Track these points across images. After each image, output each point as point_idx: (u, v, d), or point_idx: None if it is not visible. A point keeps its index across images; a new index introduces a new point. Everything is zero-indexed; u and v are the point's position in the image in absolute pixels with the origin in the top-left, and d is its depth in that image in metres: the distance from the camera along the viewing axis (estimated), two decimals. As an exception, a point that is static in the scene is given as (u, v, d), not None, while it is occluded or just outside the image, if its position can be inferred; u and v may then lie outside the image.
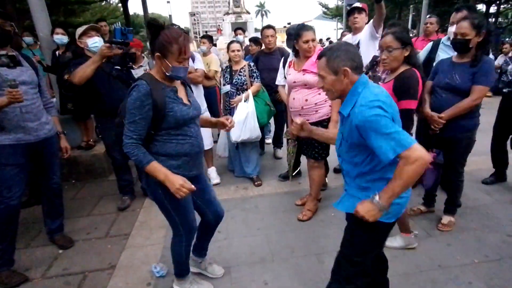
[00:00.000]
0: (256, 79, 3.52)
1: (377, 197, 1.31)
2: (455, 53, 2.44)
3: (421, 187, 3.21)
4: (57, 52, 3.94)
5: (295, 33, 2.67)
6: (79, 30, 2.78)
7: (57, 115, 2.61)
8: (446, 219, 2.63)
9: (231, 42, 3.62)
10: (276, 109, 3.76)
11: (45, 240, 2.71)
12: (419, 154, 1.24)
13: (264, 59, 3.98)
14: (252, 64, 3.57)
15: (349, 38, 3.40)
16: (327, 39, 20.02)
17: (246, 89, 3.50)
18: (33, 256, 2.54)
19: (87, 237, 2.77)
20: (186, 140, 1.69)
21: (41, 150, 2.38)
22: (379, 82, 2.30)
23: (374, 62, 2.65)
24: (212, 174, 3.72)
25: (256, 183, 3.60)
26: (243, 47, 5.06)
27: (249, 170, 3.68)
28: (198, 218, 1.97)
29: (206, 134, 3.59)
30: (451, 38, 2.78)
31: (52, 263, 2.45)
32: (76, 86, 2.75)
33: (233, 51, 3.50)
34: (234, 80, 3.52)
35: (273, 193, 3.43)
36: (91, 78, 2.67)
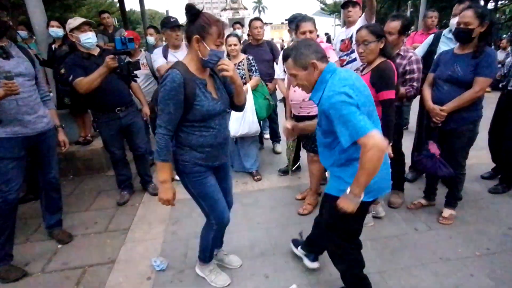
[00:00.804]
0: (254, 73, 3.48)
1: (348, 191, 1.45)
2: (457, 45, 2.42)
3: (421, 181, 3.23)
4: (53, 46, 3.88)
5: (295, 24, 2.66)
6: (70, 23, 2.67)
7: (54, 107, 2.57)
8: (447, 212, 2.63)
9: (229, 35, 3.57)
10: None
11: (44, 235, 2.69)
12: (374, 142, 1.32)
13: (252, 51, 3.93)
14: (251, 58, 3.52)
15: (342, 31, 3.40)
16: (325, 34, 19.91)
17: (245, 83, 3.46)
18: (32, 251, 2.52)
19: (86, 232, 2.75)
20: (210, 132, 1.68)
21: (38, 144, 2.35)
22: (358, 72, 2.39)
23: None
24: (212, 169, 3.69)
25: (255, 177, 3.58)
26: (241, 41, 5.04)
27: (248, 165, 3.66)
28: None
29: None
30: (453, 30, 2.77)
31: (51, 258, 2.43)
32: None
33: (230, 45, 3.44)
34: None
35: (273, 187, 3.41)
36: (87, 73, 2.63)
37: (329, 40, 12.30)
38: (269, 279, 2.12)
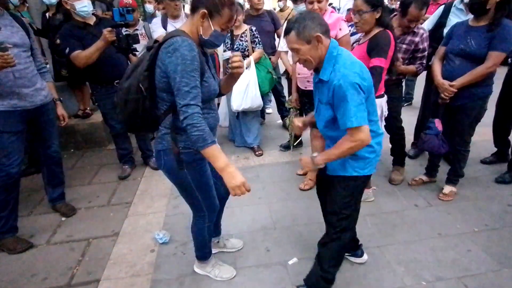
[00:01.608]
0: (258, 45, 3.37)
1: (315, 155, 1.52)
2: (468, 17, 2.31)
3: (422, 157, 3.22)
4: (47, 14, 3.73)
5: None
6: None
7: (52, 80, 2.51)
8: (447, 188, 2.63)
9: None
10: None
11: (47, 208, 2.72)
12: (362, 138, 1.38)
13: (252, 22, 3.70)
14: (254, 28, 3.38)
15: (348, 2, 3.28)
16: (329, 4, 19.12)
17: (248, 56, 3.35)
18: (36, 223, 2.56)
19: (89, 205, 2.78)
20: (211, 114, 1.53)
21: (37, 117, 2.31)
22: (355, 44, 2.37)
23: None
24: (213, 144, 3.67)
25: (257, 152, 3.57)
26: (244, 11, 4.84)
27: (249, 140, 3.64)
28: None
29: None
30: (464, 1, 2.64)
31: (56, 230, 2.47)
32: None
33: None
34: (235, 46, 3.37)
35: (274, 163, 3.41)
36: (85, 46, 2.54)
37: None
38: (270, 252, 2.16)
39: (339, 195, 1.62)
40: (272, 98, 4.48)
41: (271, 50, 3.79)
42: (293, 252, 2.14)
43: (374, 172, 1.66)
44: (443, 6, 2.91)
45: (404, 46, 2.54)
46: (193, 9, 1.38)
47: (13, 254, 2.21)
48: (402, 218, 2.44)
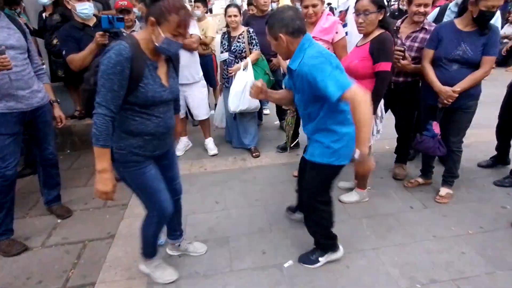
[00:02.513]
0: (255, 47, 3.37)
1: (357, 154, 1.52)
2: (457, 19, 2.34)
3: (418, 160, 3.24)
4: (43, 14, 3.71)
5: None
6: None
7: (49, 81, 2.50)
8: (444, 191, 2.64)
9: (229, 6, 3.40)
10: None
11: (43, 210, 2.70)
12: (361, 95, 1.43)
13: (256, 23, 3.72)
14: (251, 30, 3.38)
15: (344, 2, 3.34)
16: (328, 4, 19.13)
17: (245, 57, 3.35)
18: (32, 225, 2.55)
19: (85, 207, 2.77)
20: (152, 120, 1.53)
21: (34, 119, 2.30)
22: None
23: (394, 28, 2.60)
24: (210, 145, 3.69)
25: (254, 154, 3.57)
26: (241, 12, 4.84)
27: (247, 141, 3.64)
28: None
29: (203, 103, 3.53)
30: (459, 3, 2.65)
31: (51, 233, 2.46)
32: None
33: (230, 16, 3.30)
34: (232, 47, 3.37)
35: (271, 164, 3.42)
36: (82, 47, 2.55)
37: (331, 11, 11.89)
38: (266, 254, 2.16)
39: (314, 179, 1.83)
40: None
41: (273, 52, 3.77)
42: (289, 255, 2.14)
43: (347, 163, 1.78)
44: (437, 9, 2.92)
45: (416, 44, 2.54)
46: (146, 19, 1.43)
47: (8, 257, 2.20)
48: (398, 220, 2.45)
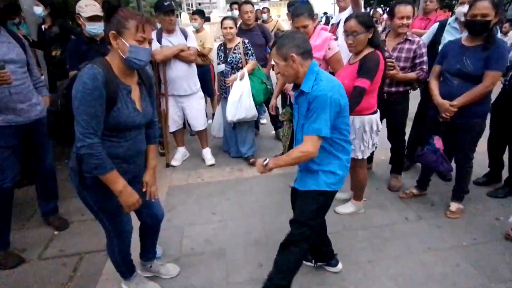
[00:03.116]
0: (251, 57, 3.43)
1: (268, 160, 1.68)
2: (462, 35, 2.37)
3: (414, 170, 3.28)
4: (43, 27, 3.76)
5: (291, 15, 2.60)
6: (81, 8, 2.55)
7: (48, 94, 2.52)
8: (454, 206, 2.62)
9: (224, 18, 3.47)
10: None
11: (40, 221, 2.71)
12: (310, 148, 1.54)
13: (243, 36, 3.76)
14: (246, 41, 3.45)
15: (337, 15, 3.40)
16: (324, 13, 19.42)
17: (242, 67, 3.41)
18: (28, 237, 2.55)
19: (82, 218, 2.77)
20: (121, 143, 1.50)
21: (32, 132, 2.32)
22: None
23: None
24: (207, 155, 3.71)
25: (250, 160, 3.59)
26: (237, 24, 4.91)
27: (244, 150, 3.67)
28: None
29: (201, 114, 3.56)
30: (461, 19, 2.70)
31: (48, 244, 2.46)
32: (65, 63, 2.68)
33: (226, 28, 3.35)
34: (228, 59, 3.42)
35: (268, 174, 3.39)
36: (85, 58, 2.58)
37: (327, 20, 12.04)
38: (262, 267, 2.17)
39: (309, 207, 1.75)
40: (266, 109, 4.53)
41: (262, 62, 3.86)
42: (285, 267, 2.15)
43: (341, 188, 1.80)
44: (437, 24, 2.97)
45: (403, 55, 2.62)
46: (107, 40, 1.41)
47: (4, 269, 2.20)
48: (393, 232, 2.47)
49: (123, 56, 1.40)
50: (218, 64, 3.52)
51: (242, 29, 3.96)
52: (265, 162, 1.68)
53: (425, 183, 2.86)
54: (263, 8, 5.59)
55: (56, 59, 3.50)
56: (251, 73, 3.42)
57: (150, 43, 1.47)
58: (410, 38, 2.60)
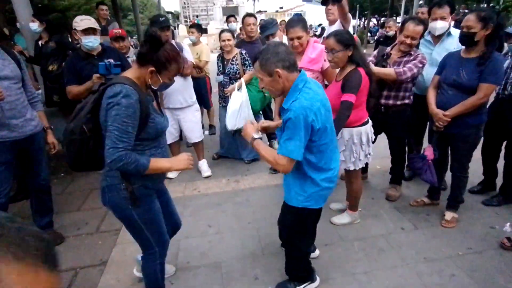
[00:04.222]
0: (248, 67, 3.53)
1: (258, 136, 1.68)
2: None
3: (415, 181, 3.29)
4: (39, 42, 3.80)
5: (284, 27, 2.65)
6: (76, 23, 2.62)
7: (42, 109, 2.54)
8: (449, 215, 2.64)
9: (222, 31, 3.55)
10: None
11: (34, 236, 2.69)
12: (283, 166, 1.56)
13: (245, 48, 3.90)
14: (244, 52, 3.55)
15: (327, 29, 3.45)
16: (319, 25, 19.74)
17: (240, 78, 3.50)
18: (23, 253, 2.53)
19: (78, 233, 2.76)
20: (159, 150, 1.58)
21: (27, 147, 2.33)
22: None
23: (384, 54, 2.74)
24: (203, 167, 3.72)
25: (246, 160, 3.90)
26: (235, 35, 5.00)
27: (244, 155, 3.88)
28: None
29: (197, 127, 3.59)
30: (434, 34, 2.79)
31: (42, 260, 2.44)
32: (61, 78, 2.74)
33: (224, 40, 3.46)
34: (226, 70, 3.50)
35: (264, 186, 3.45)
36: (83, 75, 2.67)
37: (323, 32, 12.23)
38: (258, 280, 2.17)
39: (285, 217, 1.90)
40: (263, 119, 4.57)
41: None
42: (282, 280, 2.14)
43: (322, 206, 1.84)
44: None
45: (400, 67, 2.64)
46: (141, 63, 1.46)
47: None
48: (389, 242, 2.47)
49: (152, 86, 1.50)
50: (218, 74, 3.62)
51: (245, 41, 4.02)
52: (256, 136, 1.67)
53: (435, 192, 2.86)
54: (261, 20, 5.69)
55: (53, 74, 3.54)
56: (248, 83, 3.51)
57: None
58: (412, 52, 2.63)
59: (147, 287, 1.82)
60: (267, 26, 3.42)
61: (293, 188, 1.75)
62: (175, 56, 1.46)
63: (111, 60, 2.51)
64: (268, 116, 4.32)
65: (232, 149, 3.95)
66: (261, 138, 1.71)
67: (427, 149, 2.54)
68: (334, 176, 1.75)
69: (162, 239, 1.74)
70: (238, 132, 3.58)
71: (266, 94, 3.66)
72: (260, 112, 4.45)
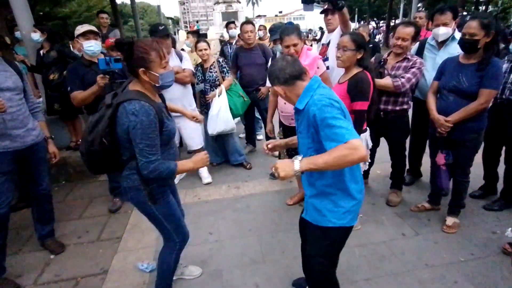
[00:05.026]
0: (227, 74, 3.65)
1: (299, 158, 1.34)
2: (462, 53, 2.39)
3: (420, 185, 3.29)
4: (41, 52, 3.83)
5: (279, 36, 2.64)
6: (77, 30, 2.74)
7: (44, 119, 2.56)
8: (450, 220, 2.63)
9: (198, 41, 3.65)
10: (258, 106, 4.09)
11: (36, 245, 2.70)
12: (358, 146, 1.25)
13: (244, 55, 3.97)
14: (221, 59, 3.70)
15: (325, 35, 3.46)
16: (320, 28, 19.83)
17: (219, 85, 3.62)
18: (24, 262, 2.53)
19: (79, 241, 2.76)
20: (172, 151, 1.72)
21: (28, 156, 2.34)
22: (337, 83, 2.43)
23: (381, 60, 2.76)
24: (203, 173, 3.73)
25: (247, 166, 3.97)
26: (234, 42, 5.02)
27: (233, 158, 3.96)
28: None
29: (197, 134, 3.60)
30: (437, 40, 2.80)
31: (44, 269, 2.44)
32: (62, 86, 2.75)
33: (201, 50, 3.57)
34: (206, 78, 3.62)
35: (265, 192, 3.45)
36: (86, 82, 2.69)
37: (323, 34, 12.24)
38: (259, 288, 2.16)
39: (317, 242, 1.62)
40: (262, 125, 4.58)
41: (261, 82, 3.91)
42: (282, 288, 2.15)
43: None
44: (417, 43, 3.05)
45: (398, 72, 2.65)
46: (133, 73, 1.54)
47: (-1, 296, 2.19)
48: (390, 248, 2.46)
49: (157, 85, 1.56)
50: (197, 84, 3.70)
51: (244, 48, 4.04)
52: (297, 163, 1.33)
53: (436, 197, 2.86)
54: (260, 25, 5.72)
55: (54, 82, 3.57)
56: (228, 89, 3.64)
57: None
58: (409, 57, 2.65)
59: (158, 276, 1.95)
60: (275, 31, 3.42)
61: (324, 206, 1.54)
62: (148, 45, 1.49)
63: (118, 33, 2.55)
64: (253, 119, 4.47)
65: (219, 154, 4.07)
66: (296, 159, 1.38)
67: (438, 156, 2.55)
68: (363, 188, 1.61)
69: (181, 232, 1.87)
70: (219, 136, 3.79)
71: (245, 99, 3.82)
72: (259, 120, 4.54)
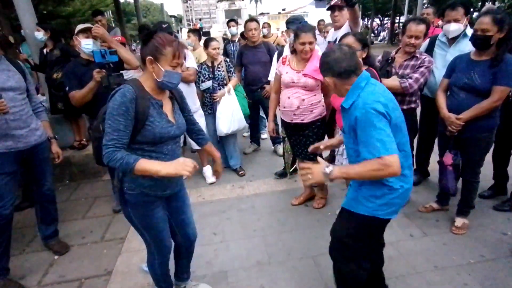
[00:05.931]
0: (232, 74, 3.65)
1: (330, 168, 1.41)
2: (473, 50, 2.33)
3: (427, 184, 3.24)
4: (44, 50, 3.82)
5: (294, 32, 2.61)
6: (78, 27, 2.75)
7: (47, 119, 2.53)
8: (459, 221, 2.57)
9: (211, 40, 3.59)
10: (263, 104, 4.02)
11: (40, 245, 2.69)
12: (391, 164, 1.33)
13: (249, 53, 3.93)
14: (227, 60, 3.69)
15: (331, 33, 3.42)
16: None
17: (226, 84, 3.59)
18: (28, 263, 2.52)
19: (83, 242, 2.75)
20: (161, 158, 1.52)
21: (32, 156, 2.32)
22: None
23: (389, 58, 2.70)
24: (207, 173, 3.70)
25: (240, 173, 3.81)
26: (236, 39, 4.99)
27: (232, 162, 3.86)
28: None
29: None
30: (448, 36, 2.73)
31: (47, 270, 2.43)
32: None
33: (214, 48, 3.53)
34: (215, 75, 3.56)
35: (269, 191, 3.41)
36: (84, 82, 2.64)
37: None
38: (264, 290, 2.13)
39: (345, 224, 1.65)
40: (266, 124, 4.54)
41: (265, 80, 3.87)
42: (288, 290, 2.11)
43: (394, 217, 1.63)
44: (428, 40, 2.98)
45: (407, 71, 2.60)
46: (143, 60, 1.49)
47: (3, 298, 2.18)
48: (398, 250, 2.42)
49: (158, 80, 1.48)
50: (203, 81, 3.59)
51: (248, 46, 4.00)
52: (329, 170, 1.41)
53: (445, 197, 2.80)
54: (264, 23, 5.66)
55: (57, 81, 3.55)
56: (234, 89, 3.61)
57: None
58: (417, 55, 2.59)
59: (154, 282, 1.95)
60: (293, 22, 3.38)
61: (360, 193, 1.55)
62: (167, 40, 1.45)
63: (105, 48, 2.52)
64: (258, 118, 4.44)
65: (222, 155, 3.91)
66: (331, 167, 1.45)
67: (446, 156, 2.49)
68: (410, 188, 1.59)
69: (160, 245, 1.76)
70: (224, 138, 3.73)
71: (248, 100, 3.83)
72: (263, 119, 4.52)
